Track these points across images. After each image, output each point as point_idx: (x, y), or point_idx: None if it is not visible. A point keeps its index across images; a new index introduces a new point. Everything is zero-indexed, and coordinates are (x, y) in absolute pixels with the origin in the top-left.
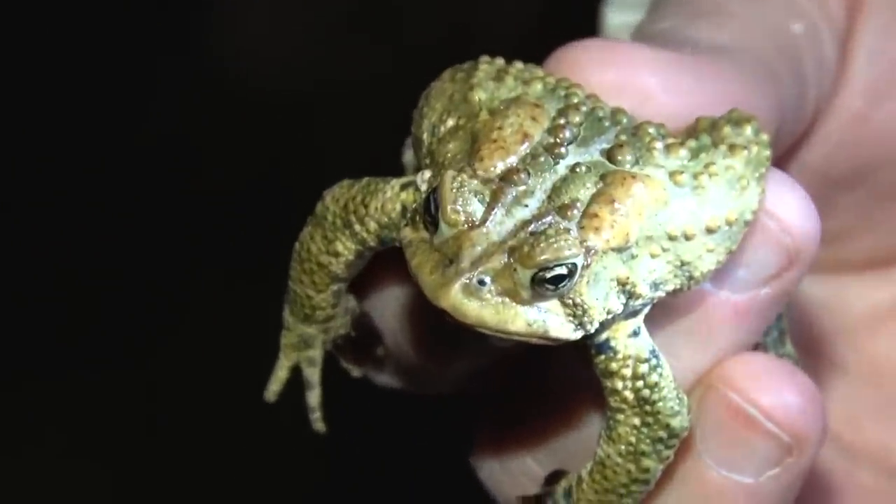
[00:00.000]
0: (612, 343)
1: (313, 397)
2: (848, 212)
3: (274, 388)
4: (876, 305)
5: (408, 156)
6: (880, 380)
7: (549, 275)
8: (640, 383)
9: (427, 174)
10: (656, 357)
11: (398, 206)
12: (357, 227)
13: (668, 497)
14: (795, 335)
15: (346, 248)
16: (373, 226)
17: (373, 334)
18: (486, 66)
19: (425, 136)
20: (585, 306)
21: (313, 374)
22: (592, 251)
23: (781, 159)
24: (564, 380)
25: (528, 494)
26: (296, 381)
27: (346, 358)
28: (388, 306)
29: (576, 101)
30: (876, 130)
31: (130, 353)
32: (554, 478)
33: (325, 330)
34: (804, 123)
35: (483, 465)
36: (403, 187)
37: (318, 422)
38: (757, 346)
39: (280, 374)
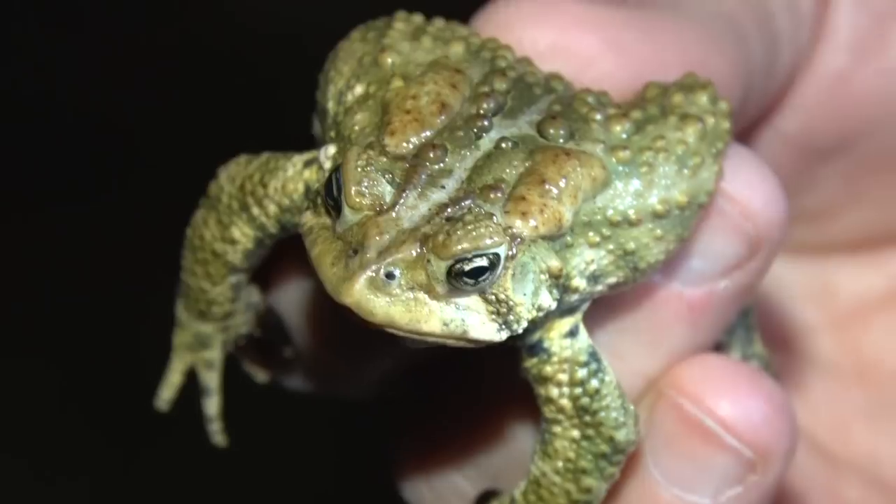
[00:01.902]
0: (546, 344)
1: (211, 406)
2: (831, 186)
3: (166, 395)
4: (865, 293)
5: (318, 127)
6: (870, 379)
7: (467, 267)
8: (578, 390)
9: (331, 149)
10: (597, 360)
11: (301, 187)
12: (255, 211)
13: None
14: (769, 330)
15: (243, 235)
16: (272, 209)
17: (279, 333)
18: (402, 23)
19: (331, 104)
20: (511, 303)
21: (211, 379)
22: (518, 239)
23: (752, 129)
24: (493, 385)
25: None
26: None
27: (249, 360)
28: (294, 301)
29: (503, 65)
30: (861, 92)
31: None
32: (485, 499)
33: (224, 328)
34: (777, 87)
35: (408, 483)
36: (307, 164)
37: (217, 434)
38: (719, 348)
39: (173, 379)
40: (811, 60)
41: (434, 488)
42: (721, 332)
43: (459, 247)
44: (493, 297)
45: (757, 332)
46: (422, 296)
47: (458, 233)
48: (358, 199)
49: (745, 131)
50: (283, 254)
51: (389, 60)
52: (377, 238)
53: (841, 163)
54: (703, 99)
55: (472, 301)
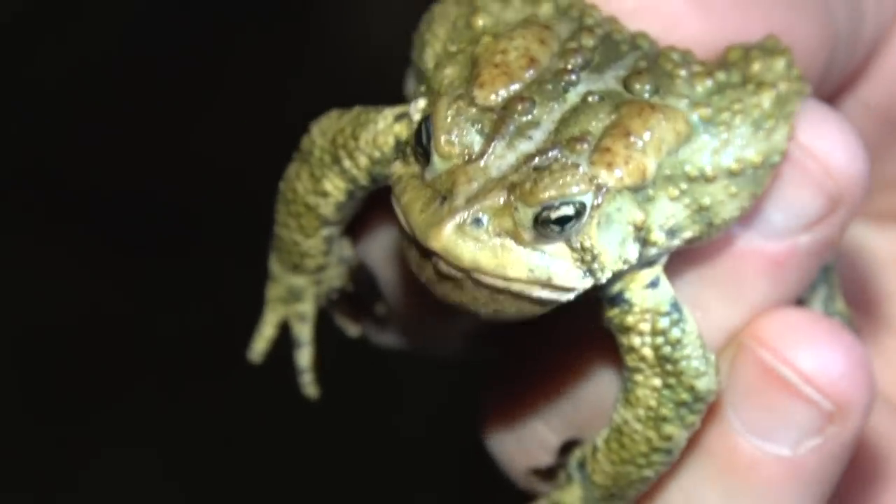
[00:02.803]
0: (627, 295)
1: (303, 357)
2: None
3: (259, 346)
4: None
5: (411, 86)
6: None
7: (553, 214)
8: (660, 339)
9: (421, 102)
10: (678, 310)
11: (391, 140)
12: (346, 163)
13: (694, 470)
14: (851, 296)
15: (335, 187)
16: (363, 161)
17: (372, 288)
18: None
19: (430, 65)
20: (595, 251)
21: (303, 332)
22: (604, 189)
23: (836, 96)
24: (577, 336)
25: (540, 467)
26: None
27: (341, 314)
28: (385, 255)
29: (590, 23)
30: None
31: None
32: (568, 448)
33: (316, 282)
34: (861, 55)
35: (493, 436)
36: (398, 118)
37: (309, 386)
38: (801, 304)
39: (266, 332)
40: (892, 34)
41: (520, 440)
42: (803, 287)
43: (546, 194)
44: (579, 245)
45: (839, 290)
46: (508, 242)
47: (545, 181)
48: (447, 148)
49: (829, 100)
50: (374, 207)
51: (481, 23)
52: (466, 185)
53: None
54: (780, 65)
55: (558, 248)
